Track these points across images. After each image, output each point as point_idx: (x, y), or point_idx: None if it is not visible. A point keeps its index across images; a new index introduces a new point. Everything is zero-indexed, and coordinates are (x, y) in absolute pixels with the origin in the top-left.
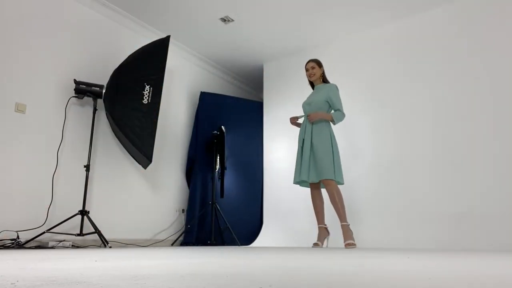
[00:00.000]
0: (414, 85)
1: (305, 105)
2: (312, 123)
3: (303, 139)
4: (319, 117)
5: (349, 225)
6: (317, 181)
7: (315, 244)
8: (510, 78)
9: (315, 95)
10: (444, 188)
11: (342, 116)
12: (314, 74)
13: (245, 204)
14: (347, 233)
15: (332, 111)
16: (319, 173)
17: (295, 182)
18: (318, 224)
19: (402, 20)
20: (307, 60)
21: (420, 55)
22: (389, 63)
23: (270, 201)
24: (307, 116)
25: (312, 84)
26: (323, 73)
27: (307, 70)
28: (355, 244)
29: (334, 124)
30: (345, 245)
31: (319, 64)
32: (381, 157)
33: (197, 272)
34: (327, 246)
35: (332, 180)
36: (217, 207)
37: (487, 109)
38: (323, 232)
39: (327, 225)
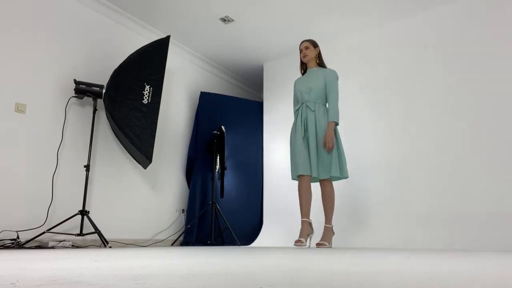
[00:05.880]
0: (414, 85)
1: (303, 93)
2: (314, 111)
3: (305, 129)
4: (332, 137)
5: (332, 227)
6: (325, 178)
7: (299, 242)
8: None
9: (313, 80)
10: (444, 188)
11: (337, 114)
12: (308, 55)
13: (245, 204)
14: (328, 235)
15: (327, 104)
16: (326, 169)
17: (296, 177)
18: (303, 217)
19: (403, 20)
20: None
21: (421, 56)
22: (390, 63)
23: (270, 201)
24: (327, 147)
25: (304, 68)
26: (319, 54)
27: (300, 50)
28: (329, 246)
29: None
30: (317, 244)
31: (314, 44)
32: (382, 157)
33: (197, 272)
34: (309, 246)
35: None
36: (217, 207)
37: (487, 110)
38: (308, 228)
39: (311, 221)
